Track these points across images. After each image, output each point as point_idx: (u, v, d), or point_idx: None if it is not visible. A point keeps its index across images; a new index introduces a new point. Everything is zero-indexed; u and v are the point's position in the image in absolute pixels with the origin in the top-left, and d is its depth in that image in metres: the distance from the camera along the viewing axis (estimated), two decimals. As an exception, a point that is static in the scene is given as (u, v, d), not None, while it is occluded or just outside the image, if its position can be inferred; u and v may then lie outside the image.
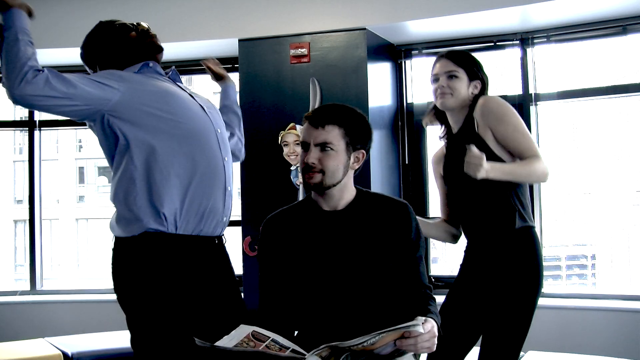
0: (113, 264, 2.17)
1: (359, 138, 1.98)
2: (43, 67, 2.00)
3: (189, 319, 2.12)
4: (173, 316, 2.09)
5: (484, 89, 2.53)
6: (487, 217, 2.47)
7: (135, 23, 2.33)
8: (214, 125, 2.26)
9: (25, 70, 1.94)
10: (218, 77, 2.68)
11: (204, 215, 2.16)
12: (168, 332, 2.09)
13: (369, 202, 2.03)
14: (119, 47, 2.28)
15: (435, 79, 2.53)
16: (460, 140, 2.47)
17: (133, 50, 2.28)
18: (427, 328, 1.72)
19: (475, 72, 2.51)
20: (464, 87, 2.49)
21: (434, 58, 2.62)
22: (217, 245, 2.26)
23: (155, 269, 2.09)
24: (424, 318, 1.76)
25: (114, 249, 2.17)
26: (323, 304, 1.94)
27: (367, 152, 2.04)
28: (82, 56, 2.35)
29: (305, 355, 1.65)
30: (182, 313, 2.11)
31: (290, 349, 1.73)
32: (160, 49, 2.34)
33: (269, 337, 1.76)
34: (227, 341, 1.72)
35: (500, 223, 2.43)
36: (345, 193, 2.01)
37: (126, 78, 2.17)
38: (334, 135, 1.93)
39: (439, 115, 2.61)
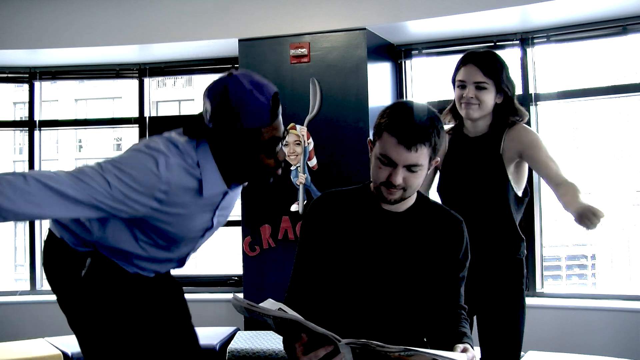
0: None
1: (439, 148, 1.86)
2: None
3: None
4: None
5: (508, 99, 2.48)
6: (481, 212, 2.48)
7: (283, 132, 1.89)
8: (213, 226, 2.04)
9: None
10: None
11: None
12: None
13: (428, 210, 1.96)
14: (236, 142, 1.83)
15: (462, 86, 2.46)
16: (478, 150, 2.50)
17: (243, 161, 1.85)
18: (469, 357, 1.68)
19: (503, 83, 2.45)
20: (490, 99, 2.45)
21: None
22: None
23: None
24: (462, 346, 1.73)
25: None
26: (356, 301, 1.88)
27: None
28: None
29: (339, 340, 1.60)
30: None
31: None
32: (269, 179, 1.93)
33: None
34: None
35: (496, 219, 2.49)
36: (409, 198, 1.93)
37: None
38: (424, 156, 1.80)
39: (455, 114, 2.58)
